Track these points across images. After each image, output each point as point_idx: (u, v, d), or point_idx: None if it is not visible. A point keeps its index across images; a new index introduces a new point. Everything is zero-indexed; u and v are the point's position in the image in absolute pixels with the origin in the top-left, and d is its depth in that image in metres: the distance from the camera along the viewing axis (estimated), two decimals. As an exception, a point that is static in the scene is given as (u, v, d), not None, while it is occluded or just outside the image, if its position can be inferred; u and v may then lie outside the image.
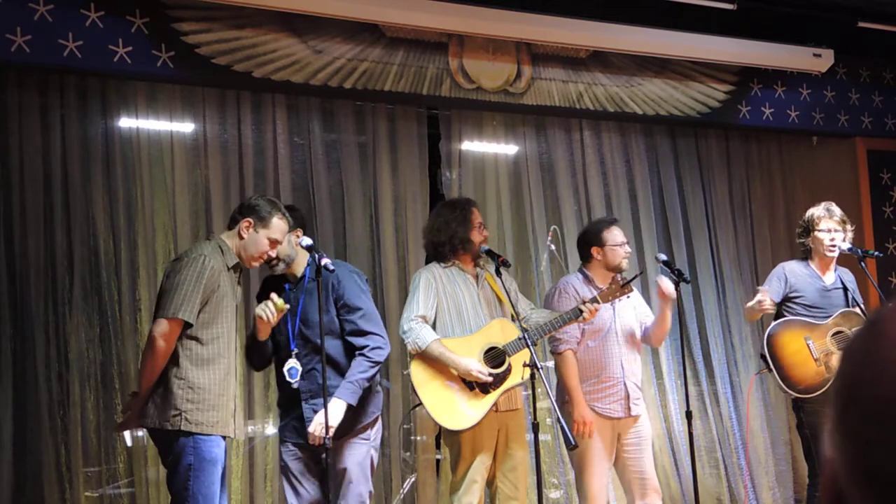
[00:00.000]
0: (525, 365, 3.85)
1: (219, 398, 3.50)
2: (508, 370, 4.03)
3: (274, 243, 3.65)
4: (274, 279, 3.92)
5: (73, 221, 4.60)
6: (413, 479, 5.18)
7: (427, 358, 4.00)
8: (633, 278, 4.21)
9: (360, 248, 5.23)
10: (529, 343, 3.81)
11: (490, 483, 4.16)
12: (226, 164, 5.02)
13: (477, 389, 4.00)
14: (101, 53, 4.31)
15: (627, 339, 4.36)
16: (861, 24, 5.91)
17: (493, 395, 4.01)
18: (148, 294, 4.68)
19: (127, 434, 4.58)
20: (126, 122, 4.83)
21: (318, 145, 5.22)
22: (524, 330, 3.93)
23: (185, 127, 4.98)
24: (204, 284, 3.45)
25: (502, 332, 4.08)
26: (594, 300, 4.03)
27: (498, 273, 4.05)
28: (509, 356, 4.02)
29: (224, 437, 3.56)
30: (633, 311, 4.46)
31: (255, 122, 5.09)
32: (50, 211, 4.57)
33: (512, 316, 4.17)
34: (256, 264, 3.72)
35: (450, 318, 4.09)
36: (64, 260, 4.56)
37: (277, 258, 3.77)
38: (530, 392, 4.00)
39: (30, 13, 4.13)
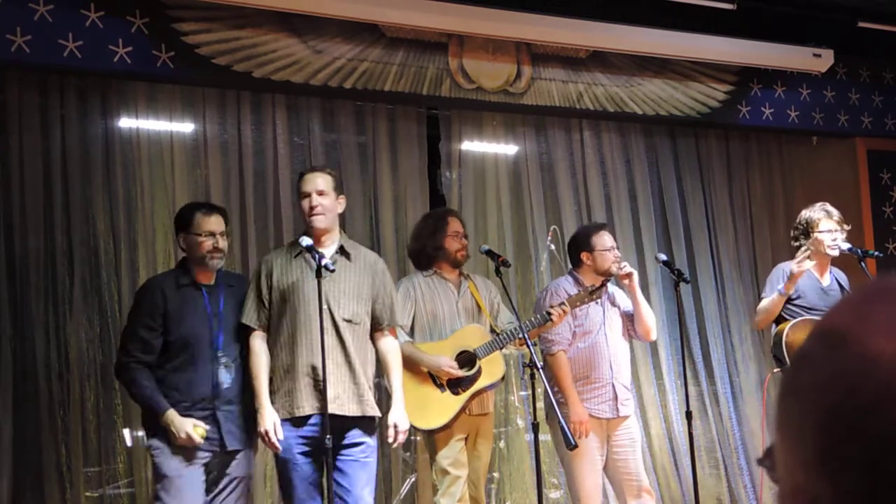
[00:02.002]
0: (525, 365, 3.90)
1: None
2: (479, 373, 4.12)
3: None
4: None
5: (73, 221, 4.60)
6: (413, 479, 5.18)
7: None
8: (601, 286, 4.27)
9: (360, 248, 5.23)
10: (529, 344, 3.85)
11: None
12: (226, 164, 5.02)
13: (448, 391, 4.09)
14: (101, 53, 4.31)
15: (617, 341, 4.41)
16: (861, 24, 5.90)
17: (463, 396, 4.11)
18: (148, 294, 4.68)
19: (126, 434, 4.59)
20: (126, 123, 4.83)
21: (318, 145, 5.22)
22: (521, 328, 3.99)
23: (185, 127, 4.98)
24: (254, 286, 3.78)
25: (474, 337, 4.16)
26: (562, 304, 4.13)
27: (498, 273, 4.11)
28: (480, 359, 4.11)
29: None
30: (619, 311, 4.50)
31: (254, 122, 5.08)
32: (50, 211, 4.57)
33: (492, 327, 4.27)
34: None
35: (426, 324, 4.19)
36: (64, 260, 4.56)
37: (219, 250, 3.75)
38: (530, 392, 4.03)
39: (30, 13, 4.13)
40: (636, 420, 4.49)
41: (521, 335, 4.05)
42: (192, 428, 3.54)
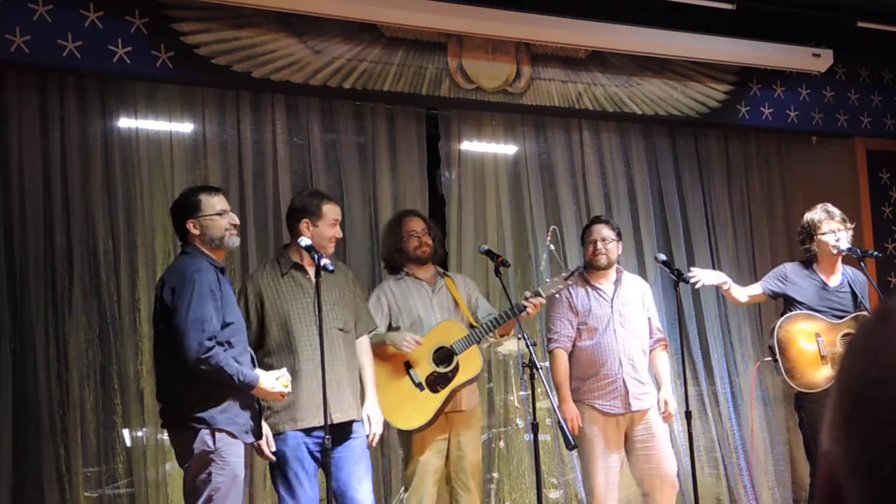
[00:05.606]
0: (524, 365, 3.91)
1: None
2: (456, 368, 4.18)
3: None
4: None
5: (73, 222, 4.60)
6: (412, 479, 5.18)
7: (378, 361, 4.14)
8: (572, 273, 4.34)
9: (359, 248, 5.23)
10: (529, 343, 3.87)
11: (448, 484, 4.32)
12: (225, 164, 5.02)
13: (427, 389, 4.15)
14: (101, 53, 4.31)
15: (629, 335, 4.42)
16: (860, 24, 5.90)
17: (442, 394, 4.16)
18: (147, 295, 4.67)
19: (126, 434, 4.59)
20: (125, 123, 4.82)
21: (318, 145, 5.22)
22: (496, 319, 4.13)
23: (185, 127, 4.97)
24: (241, 305, 3.86)
25: (451, 333, 4.22)
26: (536, 294, 4.22)
27: (497, 273, 4.12)
28: (457, 355, 4.18)
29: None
30: (640, 308, 4.52)
31: (254, 123, 5.08)
32: (49, 211, 4.57)
33: (470, 322, 4.34)
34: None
35: (405, 326, 4.26)
36: (63, 260, 4.56)
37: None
38: (529, 392, 4.03)
39: (29, 13, 4.13)
40: (657, 413, 4.48)
41: (492, 328, 4.18)
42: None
